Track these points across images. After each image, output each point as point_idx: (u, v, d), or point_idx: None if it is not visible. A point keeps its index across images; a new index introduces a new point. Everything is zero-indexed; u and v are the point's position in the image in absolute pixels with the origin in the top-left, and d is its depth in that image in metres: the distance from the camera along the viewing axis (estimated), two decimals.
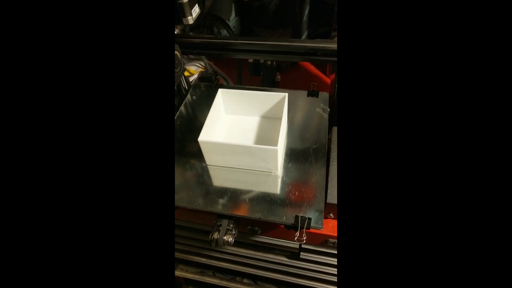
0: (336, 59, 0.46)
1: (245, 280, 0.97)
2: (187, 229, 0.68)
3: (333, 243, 0.55)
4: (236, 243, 0.72)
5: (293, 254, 0.69)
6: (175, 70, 0.46)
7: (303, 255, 0.65)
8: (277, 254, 0.71)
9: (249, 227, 0.57)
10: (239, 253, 0.74)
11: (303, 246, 0.61)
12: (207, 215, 0.58)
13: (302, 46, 0.45)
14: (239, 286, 0.94)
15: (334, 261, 0.63)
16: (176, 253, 0.88)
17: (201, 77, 0.65)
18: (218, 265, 0.87)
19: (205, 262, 0.89)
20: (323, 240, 0.55)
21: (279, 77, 0.75)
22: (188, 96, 0.62)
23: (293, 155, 0.51)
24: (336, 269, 0.66)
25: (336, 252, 0.59)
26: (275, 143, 0.44)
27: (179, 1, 0.49)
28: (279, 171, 0.48)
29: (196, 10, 0.53)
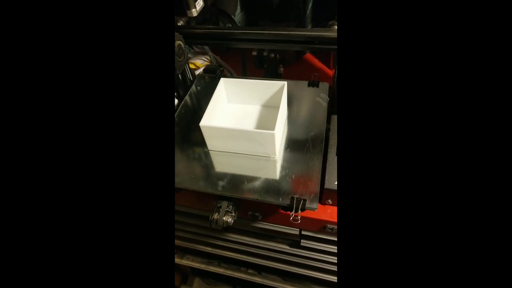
0: (333, 47, 0.47)
1: (249, 271, 0.99)
2: (194, 216, 0.71)
3: (331, 229, 0.56)
4: (239, 231, 0.74)
5: (294, 242, 0.70)
6: (179, 59, 0.49)
7: (303, 242, 0.66)
8: (278, 242, 0.73)
9: (250, 212, 0.59)
10: (243, 241, 0.76)
11: (303, 233, 0.62)
12: (211, 202, 0.60)
13: (300, 35, 0.47)
14: (243, 275, 0.96)
15: (334, 248, 0.64)
16: (182, 242, 0.91)
17: (205, 69, 0.68)
18: (224, 255, 0.90)
19: (210, 252, 0.91)
20: (322, 226, 0.57)
21: (282, 69, 0.76)
22: (193, 86, 0.64)
23: (292, 142, 0.52)
24: (336, 258, 0.67)
25: (335, 239, 0.60)
26: (272, 129, 0.46)
27: None
28: (277, 156, 0.50)
29: (200, 3, 0.55)
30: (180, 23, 0.52)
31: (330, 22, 0.47)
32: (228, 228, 0.74)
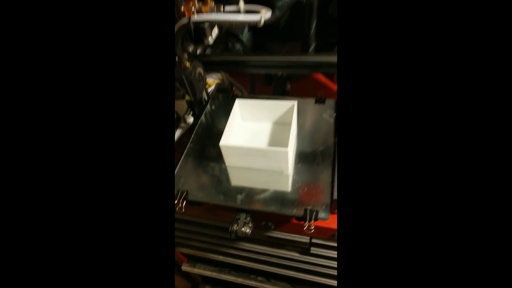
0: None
1: (259, 278, 1.02)
2: (206, 226, 0.75)
3: None
4: (251, 240, 0.78)
5: (304, 250, 0.74)
6: (199, 84, 0.54)
7: (313, 250, 0.70)
8: (289, 250, 0.76)
9: (263, 222, 0.63)
10: (254, 249, 0.80)
11: (313, 240, 0.66)
12: (224, 212, 0.64)
13: (308, 61, 0.52)
14: (253, 283, 0.99)
15: None
16: (195, 251, 0.95)
17: (219, 89, 0.73)
18: (234, 263, 0.93)
19: (222, 260, 0.95)
20: (332, 234, 0.61)
21: (289, 86, 0.81)
22: (208, 106, 0.69)
23: (303, 157, 0.57)
24: None
25: None
26: (285, 146, 0.50)
27: (201, 26, 0.57)
28: (290, 170, 0.54)
29: (215, 32, 0.60)
30: (198, 51, 0.57)
31: (334, 49, 0.52)
32: (240, 238, 0.78)
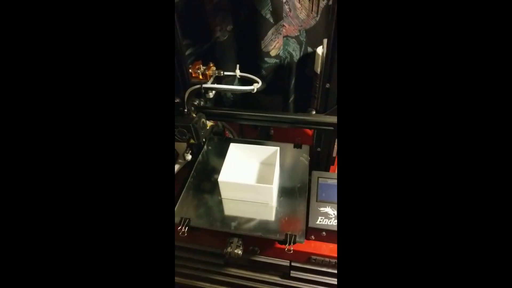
0: (312, 126, 0.68)
1: None
2: (194, 251, 0.83)
3: (315, 260, 0.72)
4: (238, 266, 0.87)
5: (285, 274, 0.84)
6: (202, 131, 0.67)
7: (293, 273, 0.80)
8: (271, 275, 0.86)
9: (250, 247, 0.74)
10: (240, 275, 0.88)
11: (292, 264, 0.77)
12: (212, 238, 0.74)
13: (289, 118, 0.68)
14: None
15: (318, 278, 0.79)
16: (181, 279, 1.01)
17: (214, 132, 0.87)
18: None
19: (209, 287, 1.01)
20: (307, 257, 0.72)
21: (272, 131, 0.97)
22: (205, 147, 0.82)
23: (284, 191, 0.70)
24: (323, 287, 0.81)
25: (319, 269, 0.75)
26: (270, 182, 0.64)
27: (202, 87, 0.72)
28: (274, 203, 0.67)
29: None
30: (202, 104, 0.72)
31: (309, 109, 0.68)
32: (228, 264, 0.87)
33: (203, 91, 0.61)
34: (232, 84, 0.94)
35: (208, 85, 0.60)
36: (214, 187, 0.70)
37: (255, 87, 0.61)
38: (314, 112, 0.67)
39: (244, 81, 1.09)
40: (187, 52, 0.92)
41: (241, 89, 0.60)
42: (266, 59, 0.91)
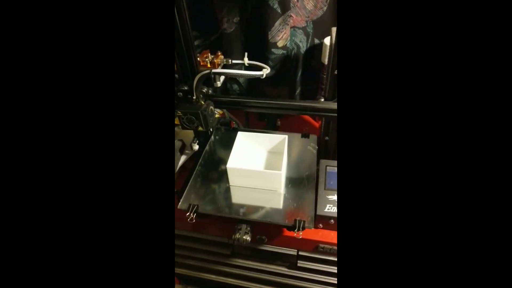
0: (319, 113, 0.68)
1: None
2: (200, 241, 0.83)
3: (323, 248, 0.72)
4: (245, 256, 0.87)
5: (292, 264, 0.84)
6: (211, 119, 0.67)
7: (300, 263, 0.80)
8: (278, 265, 0.86)
9: (258, 236, 0.74)
10: (247, 265, 0.88)
11: (300, 253, 0.77)
12: (221, 228, 0.74)
13: (297, 105, 0.68)
14: None
15: (326, 267, 0.79)
16: (186, 271, 1.01)
17: (221, 122, 0.87)
18: (227, 282, 1.00)
19: (214, 279, 1.02)
20: (315, 246, 0.72)
21: (279, 122, 0.97)
22: (212, 137, 0.83)
23: (292, 180, 0.70)
24: (330, 277, 0.81)
25: (327, 258, 0.75)
26: (278, 169, 0.64)
27: (212, 72, 0.72)
28: (282, 190, 0.67)
29: (222, 77, 0.76)
30: (210, 92, 0.72)
31: (317, 96, 0.68)
32: (235, 254, 0.87)
33: (212, 76, 0.61)
34: (240, 81, 0.95)
35: (218, 70, 0.60)
36: (221, 176, 0.70)
37: (264, 72, 0.61)
38: (322, 100, 0.67)
39: (252, 70, 1.09)
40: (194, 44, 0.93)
41: (251, 74, 0.60)
42: (273, 50, 0.91)
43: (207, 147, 0.80)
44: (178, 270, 1.03)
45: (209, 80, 0.76)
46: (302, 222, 0.59)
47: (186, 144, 0.91)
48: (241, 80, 1.04)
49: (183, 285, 1.12)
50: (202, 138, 0.84)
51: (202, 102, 0.67)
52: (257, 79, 1.09)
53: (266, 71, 0.60)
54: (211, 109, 0.67)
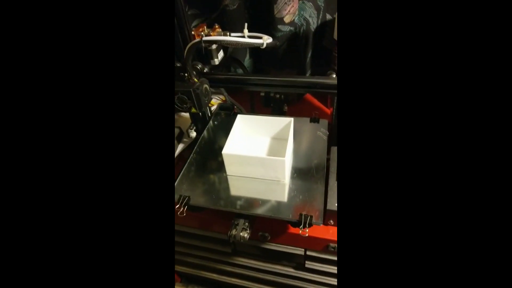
0: (330, 91, 0.58)
1: None
2: (201, 238, 0.76)
3: (334, 248, 0.62)
4: (247, 255, 0.79)
5: (299, 264, 0.75)
6: (205, 99, 0.59)
7: (308, 264, 0.71)
8: (284, 265, 0.77)
9: (260, 233, 0.65)
10: (250, 265, 0.80)
11: (308, 253, 0.68)
12: (220, 225, 0.66)
13: (304, 81, 0.58)
14: None
15: (336, 269, 0.69)
16: (188, 269, 0.95)
17: (221, 107, 0.78)
18: (229, 281, 0.93)
19: (216, 279, 0.94)
20: (325, 245, 0.63)
21: (286, 108, 0.87)
22: (210, 122, 0.74)
23: (298, 169, 0.61)
24: None
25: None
26: (282, 156, 0.55)
27: (209, 48, 0.64)
28: (287, 180, 0.58)
29: (221, 54, 0.67)
30: (205, 70, 0.64)
31: (328, 72, 0.58)
32: (237, 252, 0.79)
33: (203, 46, 0.53)
34: (240, 50, 0.86)
35: (209, 37, 0.52)
36: (219, 165, 0.62)
37: (265, 40, 0.52)
38: (334, 76, 0.57)
39: (255, 55, 1.00)
40: (193, 24, 0.85)
41: (249, 42, 0.51)
42: (279, 26, 0.82)
43: (204, 133, 0.71)
44: (178, 268, 0.97)
45: (206, 58, 0.68)
46: (309, 217, 0.50)
47: (184, 132, 0.84)
48: (246, 63, 0.95)
49: (184, 284, 1.06)
50: (200, 124, 0.76)
51: (196, 79, 0.59)
52: (262, 61, 1.00)
53: (267, 39, 0.51)
54: (206, 87, 0.59)
